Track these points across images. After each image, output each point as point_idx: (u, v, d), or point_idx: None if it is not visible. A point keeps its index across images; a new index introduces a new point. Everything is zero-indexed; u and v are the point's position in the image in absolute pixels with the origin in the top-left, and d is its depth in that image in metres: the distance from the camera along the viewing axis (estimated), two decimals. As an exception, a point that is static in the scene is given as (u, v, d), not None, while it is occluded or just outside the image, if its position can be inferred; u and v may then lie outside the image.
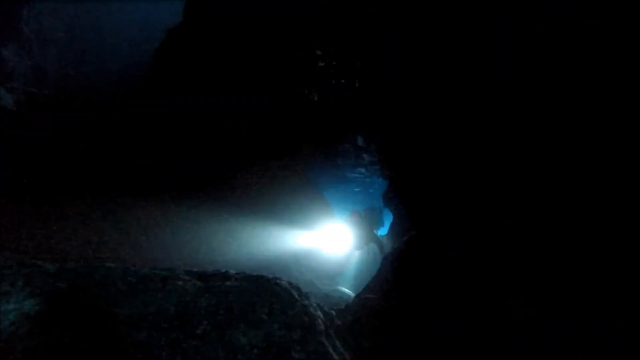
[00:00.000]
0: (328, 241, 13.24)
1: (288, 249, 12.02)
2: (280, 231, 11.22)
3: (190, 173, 8.66)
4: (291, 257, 12.12)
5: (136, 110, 10.24)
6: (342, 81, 11.28)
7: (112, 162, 9.02)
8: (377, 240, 11.29)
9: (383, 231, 12.12)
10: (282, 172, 9.88)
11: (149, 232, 7.45)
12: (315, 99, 11.28)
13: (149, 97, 10.48)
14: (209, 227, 8.35)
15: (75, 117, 10.68)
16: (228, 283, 4.39)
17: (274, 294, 4.49)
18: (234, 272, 4.89)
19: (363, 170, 13.60)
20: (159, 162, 8.59)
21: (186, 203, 8.35)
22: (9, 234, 5.08)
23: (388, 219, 11.60)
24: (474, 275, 5.69)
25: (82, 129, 9.95)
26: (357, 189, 15.19)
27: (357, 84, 11.28)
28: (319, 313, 5.10)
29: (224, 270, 4.88)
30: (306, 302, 4.85)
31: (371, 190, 14.87)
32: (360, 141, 12.69)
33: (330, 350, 4.39)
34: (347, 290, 11.45)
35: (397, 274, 7.23)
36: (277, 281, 4.80)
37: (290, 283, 4.99)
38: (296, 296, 4.71)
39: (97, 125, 10.02)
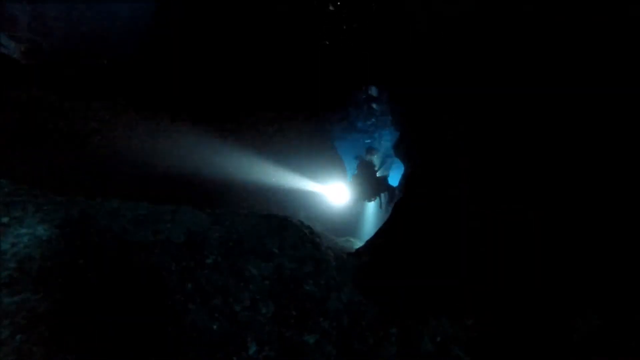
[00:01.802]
0: (339, 194, 13.16)
1: (299, 201, 12.03)
2: (291, 182, 11.17)
3: (205, 106, 8.50)
4: (302, 210, 12.16)
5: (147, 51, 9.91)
6: (354, 26, 10.72)
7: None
8: (389, 189, 11.17)
9: (395, 182, 11.99)
10: (295, 119, 9.68)
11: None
12: (327, 43, 10.80)
13: (160, 37, 10.10)
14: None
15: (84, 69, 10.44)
16: (238, 218, 4.38)
17: (284, 229, 4.48)
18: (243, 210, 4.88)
19: (374, 120, 13.26)
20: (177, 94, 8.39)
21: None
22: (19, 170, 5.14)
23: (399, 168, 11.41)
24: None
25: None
26: (368, 140, 14.93)
27: (369, 30, 10.72)
28: (330, 252, 5.12)
29: (233, 209, 4.87)
30: (317, 240, 4.85)
31: (382, 142, 14.60)
32: (373, 91, 12.28)
33: (342, 284, 4.43)
34: (358, 241, 11.55)
35: (401, 221, 7.22)
36: (288, 218, 4.79)
37: (301, 222, 4.97)
38: (307, 233, 4.70)
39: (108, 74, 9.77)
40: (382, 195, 11.47)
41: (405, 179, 10.33)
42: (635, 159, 4.79)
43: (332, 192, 12.70)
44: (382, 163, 13.73)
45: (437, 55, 8.47)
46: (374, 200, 11.83)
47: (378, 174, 11.13)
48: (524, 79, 6.21)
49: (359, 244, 11.35)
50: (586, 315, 4.54)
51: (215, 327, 3.01)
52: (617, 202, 4.79)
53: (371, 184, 10.93)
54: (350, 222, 15.26)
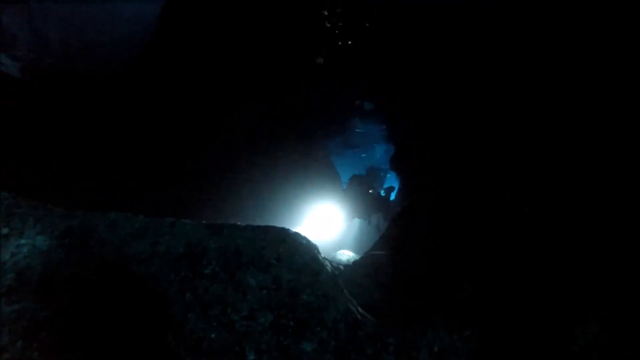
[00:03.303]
0: (332, 210, 13.18)
1: (293, 218, 12.03)
2: (285, 198, 11.20)
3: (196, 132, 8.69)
4: (301, 223, 12.14)
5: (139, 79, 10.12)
6: (349, 43, 10.98)
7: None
8: (382, 205, 11.21)
9: (391, 196, 12.05)
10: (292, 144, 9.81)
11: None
12: (321, 62, 11.04)
13: (153, 64, 10.33)
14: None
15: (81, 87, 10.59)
16: (236, 230, 4.41)
17: (282, 241, 4.51)
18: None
19: (369, 135, 13.43)
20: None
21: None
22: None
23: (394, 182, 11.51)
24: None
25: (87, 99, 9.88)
26: (364, 155, 15.07)
27: (364, 47, 10.99)
28: (327, 263, 5.14)
29: (231, 222, 4.91)
30: (315, 251, 4.87)
31: (378, 156, 14.75)
32: (367, 107, 12.49)
33: (340, 295, 4.44)
34: (353, 254, 11.52)
35: (400, 233, 7.29)
36: (286, 230, 4.82)
37: (298, 233, 5.00)
38: (305, 244, 4.73)
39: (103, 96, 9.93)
40: (377, 210, 11.53)
41: (401, 192, 10.44)
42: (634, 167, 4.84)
43: (329, 207, 12.74)
44: (377, 178, 13.84)
45: (431, 70, 8.70)
46: (369, 217, 11.89)
47: (371, 190, 11.20)
48: (523, 80, 6.30)
49: (354, 256, 11.32)
50: (586, 324, 4.55)
51: (213, 336, 3.02)
52: (617, 207, 4.82)
53: (364, 200, 10.99)
54: (348, 236, 15.24)
